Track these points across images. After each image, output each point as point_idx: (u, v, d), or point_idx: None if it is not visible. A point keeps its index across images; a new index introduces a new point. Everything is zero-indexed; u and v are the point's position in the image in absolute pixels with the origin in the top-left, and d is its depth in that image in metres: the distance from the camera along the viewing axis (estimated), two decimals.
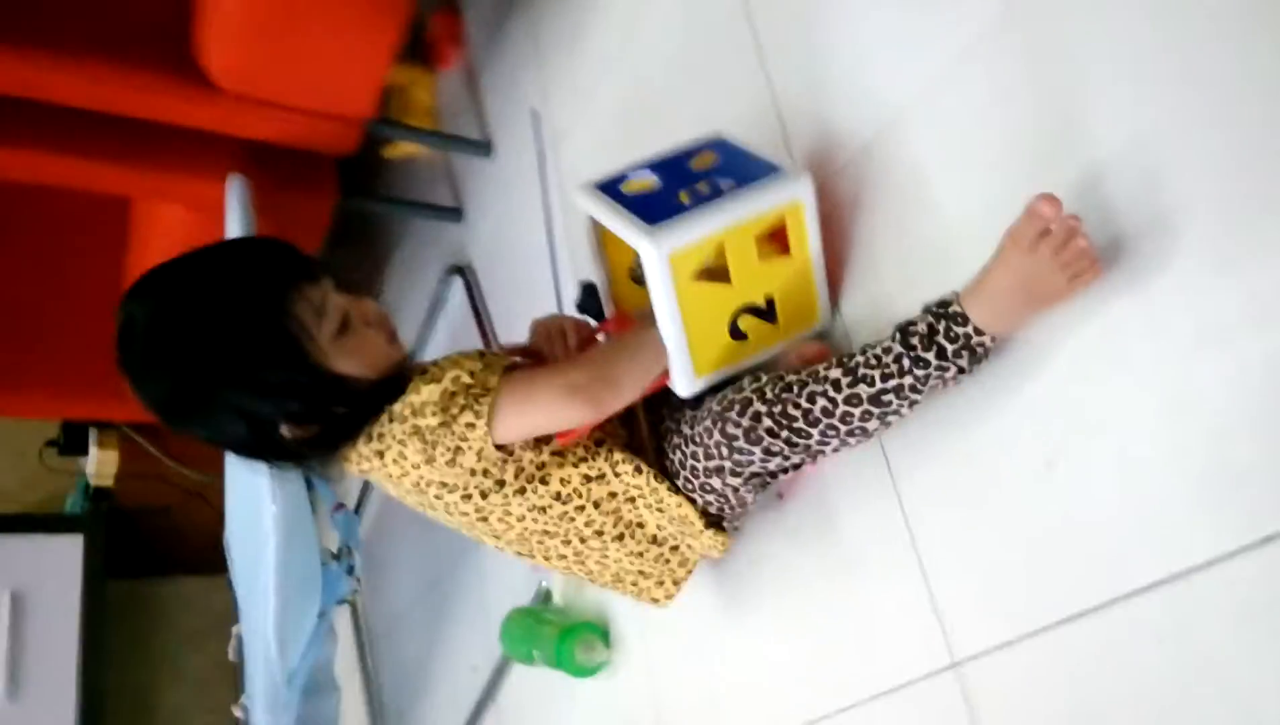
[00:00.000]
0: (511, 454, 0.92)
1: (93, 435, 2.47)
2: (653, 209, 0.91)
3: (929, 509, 0.90)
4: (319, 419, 0.89)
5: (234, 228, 1.58)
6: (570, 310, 1.12)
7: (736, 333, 0.95)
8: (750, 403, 0.88)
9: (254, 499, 1.47)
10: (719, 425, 0.90)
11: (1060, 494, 0.78)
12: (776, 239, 0.95)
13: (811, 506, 1.00)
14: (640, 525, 0.99)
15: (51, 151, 1.56)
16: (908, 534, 0.91)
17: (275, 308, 0.86)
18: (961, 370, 0.81)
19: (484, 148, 1.79)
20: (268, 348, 0.86)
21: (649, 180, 0.98)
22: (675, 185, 0.95)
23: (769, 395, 0.88)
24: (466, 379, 0.89)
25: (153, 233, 1.90)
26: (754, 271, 0.94)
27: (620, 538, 0.99)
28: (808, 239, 0.95)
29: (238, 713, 1.65)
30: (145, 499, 2.55)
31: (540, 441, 0.94)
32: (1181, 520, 0.71)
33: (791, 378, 0.88)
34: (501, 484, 0.93)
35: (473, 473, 0.91)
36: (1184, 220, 0.73)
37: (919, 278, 0.92)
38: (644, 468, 0.96)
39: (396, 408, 0.89)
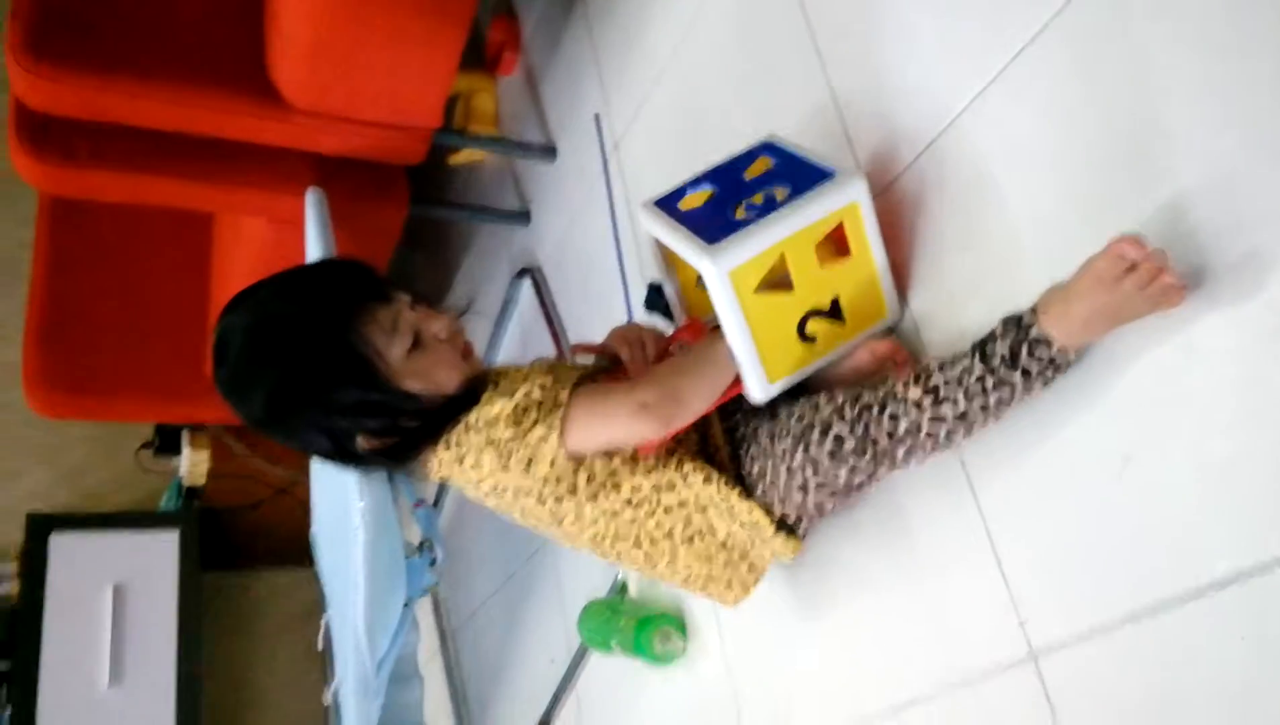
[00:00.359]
0: (584, 462, 0.95)
1: (185, 436, 2.56)
2: (711, 226, 0.93)
3: (1004, 504, 0.90)
4: (394, 433, 0.93)
5: (313, 240, 1.63)
6: (638, 309, 1.15)
7: (805, 336, 0.97)
8: (831, 425, 0.90)
9: (341, 495, 1.53)
10: (802, 447, 0.92)
11: (1138, 489, 0.79)
12: (836, 241, 0.96)
13: (885, 504, 1.01)
14: (712, 532, 1.02)
15: (145, 173, 1.63)
16: (983, 528, 0.92)
17: (346, 330, 0.89)
18: (1046, 384, 0.83)
19: (548, 152, 1.82)
20: (341, 369, 0.90)
21: (706, 193, 1.00)
22: (731, 199, 0.97)
23: (849, 417, 0.89)
24: (537, 394, 0.92)
25: (236, 245, 1.97)
26: (816, 276, 0.95)
27: (690, 540, 1.01)
28: (867, 238, 0.96)
29: (327, 699, 1.73)
30: (235, 496, 2.64)
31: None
32: (1259, 515, 0.71)
33: (869, 398, 0.89)
34: (574, 490, 0.96)
35: (546, 480, 0.94)
36: (1260, 220, 0.72)
37: (986, 271, 0.93)
38: (714, 477, 0.98)
39: (471, 418, 0.92)
